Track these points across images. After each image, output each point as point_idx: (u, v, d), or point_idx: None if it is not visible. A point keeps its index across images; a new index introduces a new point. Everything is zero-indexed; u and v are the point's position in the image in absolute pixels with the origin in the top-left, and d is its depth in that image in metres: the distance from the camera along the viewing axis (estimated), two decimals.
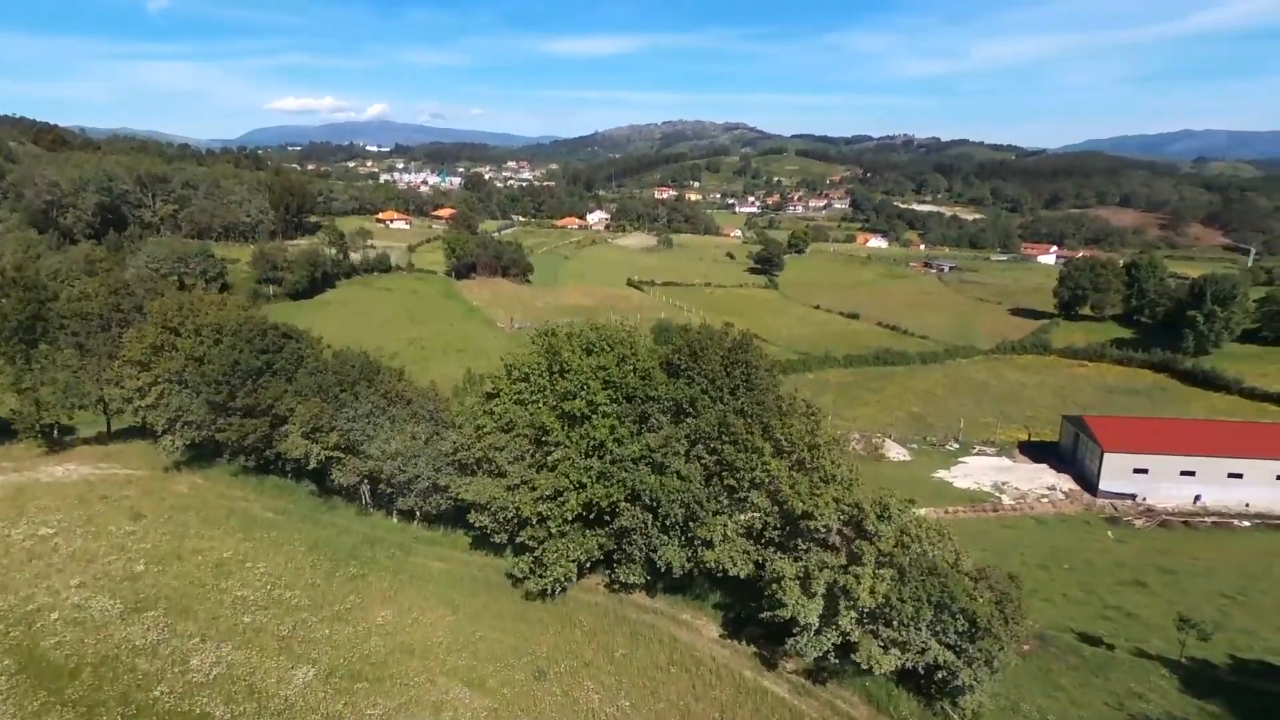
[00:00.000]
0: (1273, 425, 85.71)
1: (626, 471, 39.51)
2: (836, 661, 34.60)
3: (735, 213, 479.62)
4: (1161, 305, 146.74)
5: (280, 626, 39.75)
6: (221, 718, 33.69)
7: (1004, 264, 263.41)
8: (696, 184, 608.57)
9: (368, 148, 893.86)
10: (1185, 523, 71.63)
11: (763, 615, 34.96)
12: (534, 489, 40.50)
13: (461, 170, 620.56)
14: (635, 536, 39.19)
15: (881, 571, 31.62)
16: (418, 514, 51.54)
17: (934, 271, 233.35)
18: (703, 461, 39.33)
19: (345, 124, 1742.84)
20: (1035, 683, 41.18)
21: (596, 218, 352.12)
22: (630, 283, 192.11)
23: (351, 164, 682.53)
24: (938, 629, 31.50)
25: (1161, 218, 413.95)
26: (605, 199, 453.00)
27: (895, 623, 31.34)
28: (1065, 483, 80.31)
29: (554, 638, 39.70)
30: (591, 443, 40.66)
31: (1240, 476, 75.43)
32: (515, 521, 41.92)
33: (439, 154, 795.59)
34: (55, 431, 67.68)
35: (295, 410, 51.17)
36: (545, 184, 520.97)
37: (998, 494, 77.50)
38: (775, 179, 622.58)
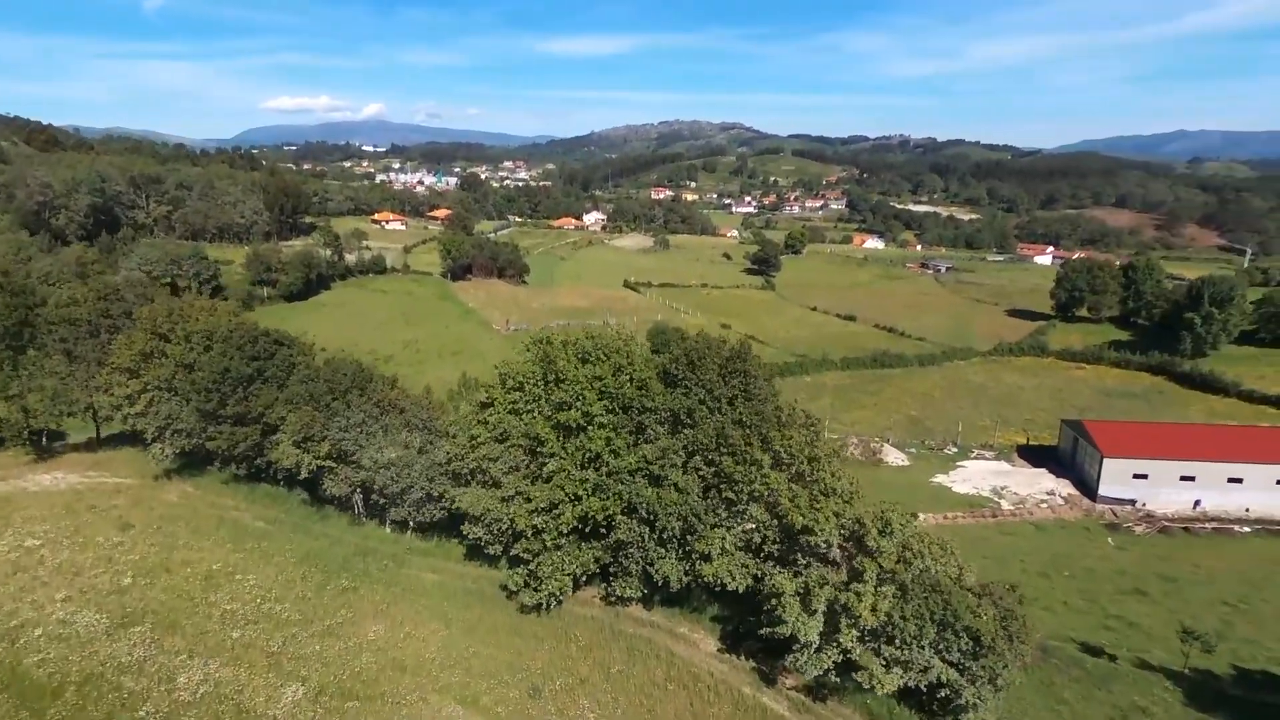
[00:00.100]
0: (1273, 429, 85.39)
1: (623, 484, 38.79)
2: (838, 680, 33.98)
3: (732, 213, 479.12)
4: (1159, 307, 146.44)
5: (269, 642, 38.94)
6: None
7: (1000, 265, 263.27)
8: (693, 184, 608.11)
9: (364, 148, 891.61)
10: (1185, 529, 71.18)
11: (762, 632, 34.29)
12: (529, 500, 39.76)
13: (458, 170, 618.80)
14: (632, 550, 38.50)
15: (883, 589, 30.97)
16: (411, 524, 50.78)
17: (931, 272, 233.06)
18: (700, 473, 38.64)
19: (341, 123, 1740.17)
20: (1038, 696, 40.62)
21: (593, 218, 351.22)
22: (627, 284, 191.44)
23: (347, 164, 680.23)
24: (941, 647, 30.88)
25: (1157, 218, 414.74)
26: (602, 199, 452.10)
27: (898, 641, 30.69)
28: (1064, 488, 79.85)
29: (549, 653, 38.96)
30: (587, 454, 39.93)
31: (1240, 481, 75.03)
32: (510, 533, 41.20)
33: (435, 154, 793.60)
34: (44, 439, 66.78)
35: (286, 419, 50.34)
36: (542, 184, 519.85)
37: (997, 499, 77.02)
38: (772, 179, 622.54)
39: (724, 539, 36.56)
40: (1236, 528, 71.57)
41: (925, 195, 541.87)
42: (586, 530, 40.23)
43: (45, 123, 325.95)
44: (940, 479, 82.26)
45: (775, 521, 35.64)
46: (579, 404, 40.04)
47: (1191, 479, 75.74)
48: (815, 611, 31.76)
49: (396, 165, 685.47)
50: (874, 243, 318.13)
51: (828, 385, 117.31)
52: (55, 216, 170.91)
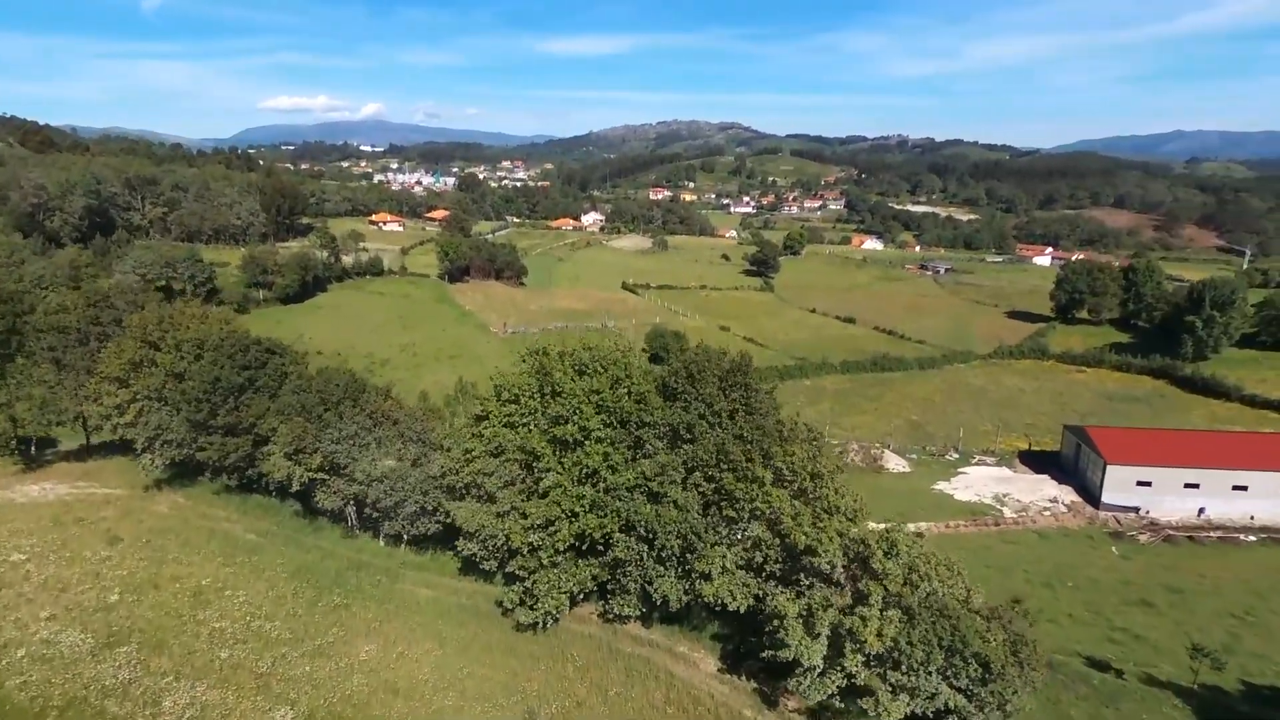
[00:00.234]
0: (1277, 435, 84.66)
1: (621, 500, 37.84)
2: (842, 705, 33.08)
3: (730, 213, 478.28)
4: (1159, 309, 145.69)
5: (259, 662, 37.97)
6: None
7: (999, 266, 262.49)
8: (691, 184, 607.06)
9: (362, 147, 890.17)
10: (1190, 537, 70.38)
11: (763, 654, 33.37)
12: (525, 516, 38.80)
13: (456, 170, 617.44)
14: (630, 568, 37.56)
15: (889, 613, 30.05)
16: (405, 537, 49.82)
17: (930, 274, 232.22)
18: (700, 490, 37.71)
19: (340, 123, 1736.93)
20: (1045, 714, 39.70)
21: (591, 219, 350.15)
22: (625, 286, 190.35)
23: (345, 164, 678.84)
24: (949, 673, 29.99)
25: (1156, 219, 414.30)
26: (600, 199, 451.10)
27: (904, 667, 29.80)
28: (1067, 495, 79.04)
29: (545, 674, 38.01)
30: (584, 470, 38.95)
31: (1245, 489, 74.26)
32: (505, 549, 40.24)
33: (433, 154, 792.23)
34: (33, 447, 65.72)
35: (278, 430, 49.35)
36: (540, 184, 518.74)
37: (999, 507, 76.20)
38: (770, 179, 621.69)
39: (724, 557, 35.61)
40: (1242, 536, 70.79)
41: (924, 195, 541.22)
42: (584, 548, 39.29)
43: (42, 123, 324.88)
44: (942, 486, 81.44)
45: (777, 540, 34.70)
46: (576, 418, 39.09)
47: (1196, 486, 74.98)
48: (819, 635, 30.87)
49: (395, 165, 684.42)
50: (873, 243, 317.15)
51: (828, 389, 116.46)
52: (49, 219, 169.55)
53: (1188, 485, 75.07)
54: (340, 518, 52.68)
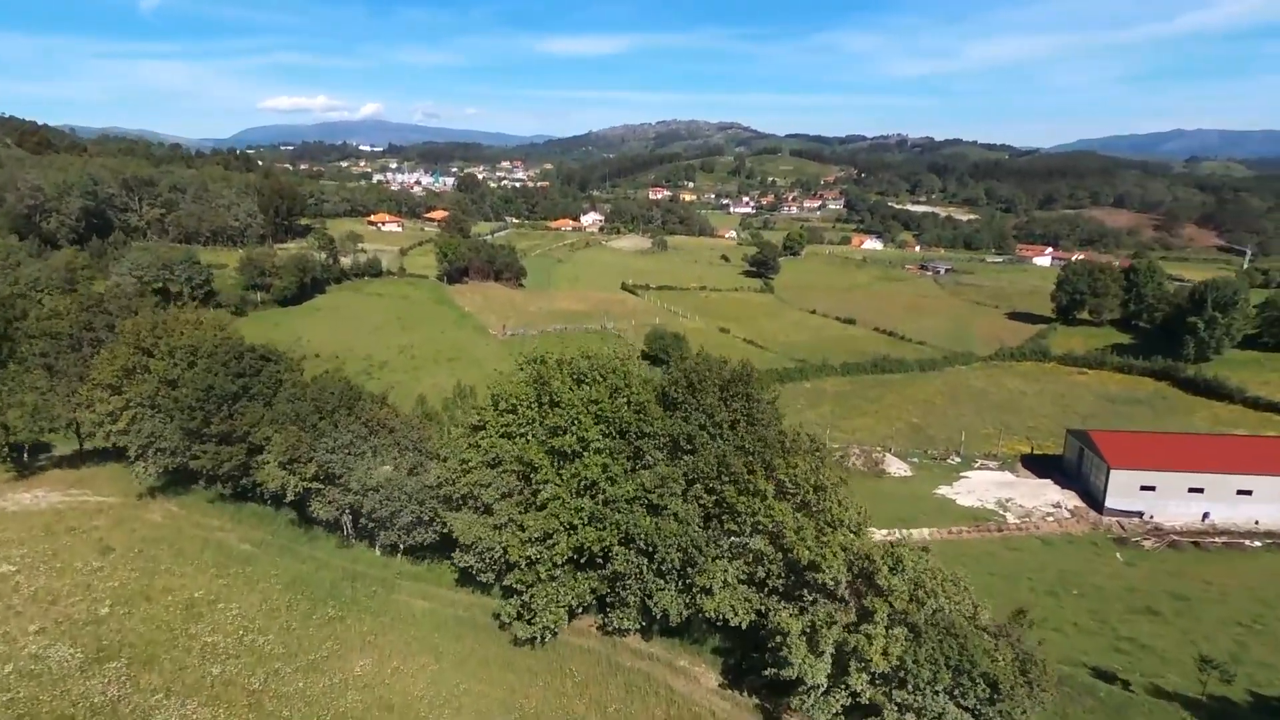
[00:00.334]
0: None
1: (620, 513, 37.11)
2: None
3: (730, 213, 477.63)
4: (1160, 310, 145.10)
5: (251, 678, 37.25)
6: None
7: (999, 266, 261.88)
8: (691, 184, 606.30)
9: (361, 147, 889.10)
10: (1195, 543, 69.68)
11: (766, 672, 32.67)
12: (522, 529, 38.08)
13: (455, 170, 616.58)
14: (630, 581, 36.84)
15: (895, 631, 29.38)
16: (401, 547, 49.08)
17: (930, 274, 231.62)
18: (701, 502, 36.99)
19: (339, 123, 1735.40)
20: None
21: (590, 219, 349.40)
22: (624, 286, 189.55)
23: (344, 164, 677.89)
24: (956, 693, 29.31)
25: (1156, 218, 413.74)
26: (599, 200, 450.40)
27: (910, 686, 29.12)
28: (1070, 500, 78.36)
29: (543, 689, 37.31)
30: (583, 481, 38.22)
31: (1250, 493, 73.60)
32: (503, 562, 39.51)
33: (433, 154, 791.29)
34: (25, 454, 64.94)
35: (272, 439, 48.62)
36: (540, 184, 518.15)
37: (1002, 512, 75.48)
38: (770, 179, 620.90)
39: (726, 571, 34.90)
40: (1247, 542, 70.12)
41: (923, 195, 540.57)
42: (582, 560, 38.57)
43: (40, 123, 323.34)
44: (944, 491, 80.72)
45: (780, 555, 34.00)
46: (574, 429, 38.37)
47: (1200, 491, 74.29)
48: (823, 653, 30.19)
49: (394, 165, 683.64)
50: (872, 243, 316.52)
51: (828, 391, 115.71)
52: (46, 220, 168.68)
53: (1192, 490, 74.40)
54: (336, 527, 51.93)
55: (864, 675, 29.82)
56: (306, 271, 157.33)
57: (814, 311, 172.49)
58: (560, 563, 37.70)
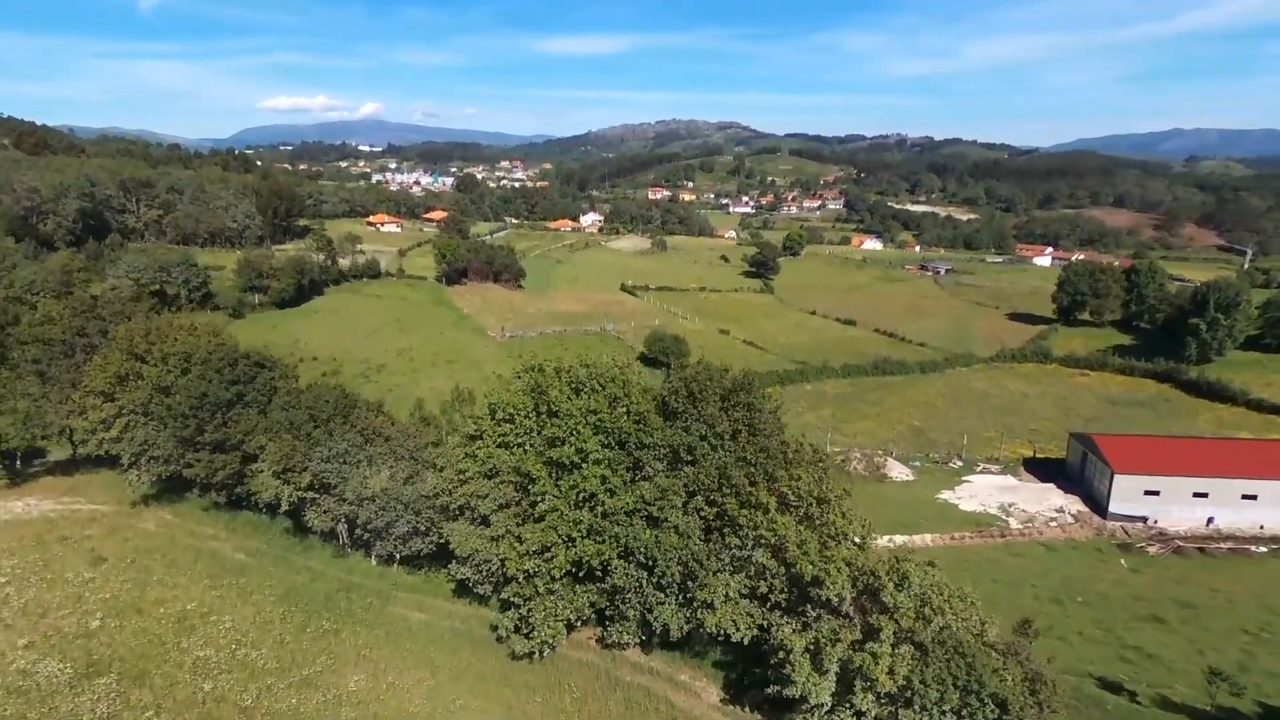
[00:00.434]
0: None
1: (619, 525, 36.41)
2: None
3: (729, 213, 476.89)
4: (1162, 311, 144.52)
5: (243, 694, 36.54)
6: None
7: (1000, 266, 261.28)
8: (690, 184, 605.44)
9: (360, 147, 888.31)
10: (1200, 549, 69.03)
11: (769, 690, 31.97)
12: (520, 541, 37.38)
13: (454, 170, 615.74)
14: (629, 595, 36.14)
15: (901, 650, 28.70)
16: (398, 557, 48.39)
17: (930, 274, 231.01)
18: (702, 514, 36.28)
19: (338, 123, 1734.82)
20: None
21: (590, 219, 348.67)
22: (624, 287, 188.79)
23: (344, 164, 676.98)
24: (964, 713, 28.63)
25: (1156, 218, 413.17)
26: (599, 200, 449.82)
27: (916, 706, 28.45)
28: (1074, 504, 77.72)
29: (541, 705, 36.61)
30: (581, 493, 37.50)
31: (1254, 498, 72.98)
32: (500, 574, 38.81)
33: (432, 153, 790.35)
34: (17, 461, 64.21)
35: (266, 448, 47.91)
36: (539, 184, 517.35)
37: (1005, 517, 74.82)
38: (769, 179, 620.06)
39: (728, 585, 34.19)
40: (1253, 548, 69.48)
41: (923, 195, 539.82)
42: (581, 574, 37.86)
43: (39, 124, 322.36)
44: (946, 495, 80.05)
45: (782, 569, 33.30)
46: (573, 439, 37.65)
47: (1204, 495, 73.67)
48: (827, 671, 29.52)
49: (393, 165, 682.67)
50: (872, 244, 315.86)
51: (829, 393, 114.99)
52: (43, 222, 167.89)
53: (1196, 494, 73.76)
54: (332, 536, 51.25)
55: (869, 695, 29.15)
56: (304, 273, 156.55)
57: (814, 312, 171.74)
58: (558, 576, 37.00)
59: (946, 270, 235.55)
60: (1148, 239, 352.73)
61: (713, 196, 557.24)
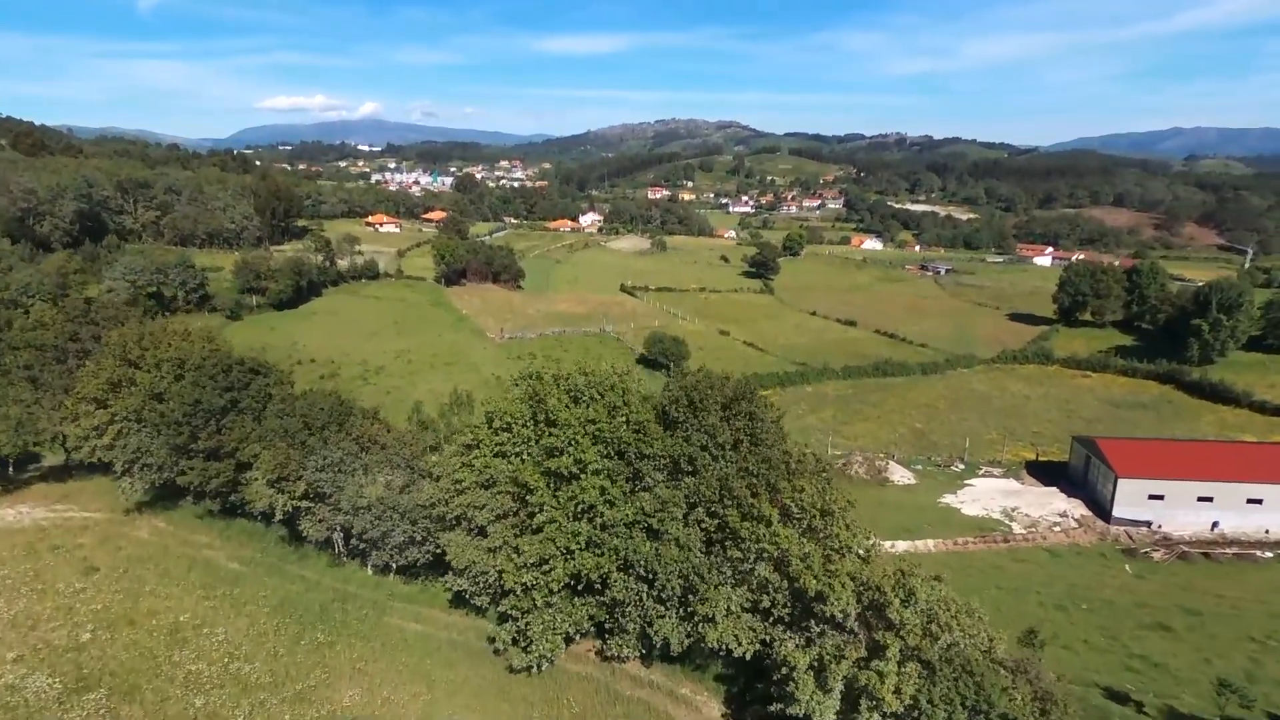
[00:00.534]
0: None
1: (618, 538, 35.69)
2: None
3: (729, 213, 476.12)
4: (1163, 311, 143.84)
5: (235, 710, 35.85)
6: None
7: (1000, 266, 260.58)
8: (690, 184, 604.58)
9: (359, 147, 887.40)
10: (1205, 554, 68.33)
11: (772, 708, 31.27)
12: (518, 553, 36.65)
13: (454, 170, 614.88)
14: (629, 608, 35.42)
15: (908, 668, 28.01)
16: (394, 567, 47.66)
17: (930, 274, 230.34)
18: (703, 526, 35.55)
19: (337, 123, 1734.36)
20: None
21: (589, 219, 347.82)
22: (623, 288, 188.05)
23: (343, 164, 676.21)
24: None
25: (1156, 217, 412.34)
26: (598, 199, 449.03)
27: None
28: (1077, 508, 77.01)
29: None
30: (580, 505, 36.76)
31: (1260, 502, 72.25)
32: (498, 586, 38.08)
33: (431, 153, 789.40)
34: (10, 468, 63.43)
35: (260, 456, 47.18)
36: (538, 184, 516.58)
37: (1008, 521, 74.13)
38: (769, 178, 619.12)
39: (729, 600, 33.48)
40: (1258, 552, 68.76)
41: (923, 194, 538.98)
42: (580, 587, 37.13)
43: (37, 124, 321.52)
44: (948, 499, 79.36)
45: (785, 583, 32.60)
46: (571, 450, 36.91)
47: (1209, 500, 72.96)
48: (831, 690, 28.83)
49: (392, 165, 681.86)
50: (872, 243, 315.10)
51: (829, 395, 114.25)
52: (39, 223, 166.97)
53: (1201, 499, 73.05)
54: (328, 544, 50.54)
55: (875, 715, 28.47)
56: (302, 274, 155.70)
57: (814, 313, 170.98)
58: (557, 589, 36.28)
59: (947, 270, 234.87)
60: (1148, 238, 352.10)
61: (712, 196, 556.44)
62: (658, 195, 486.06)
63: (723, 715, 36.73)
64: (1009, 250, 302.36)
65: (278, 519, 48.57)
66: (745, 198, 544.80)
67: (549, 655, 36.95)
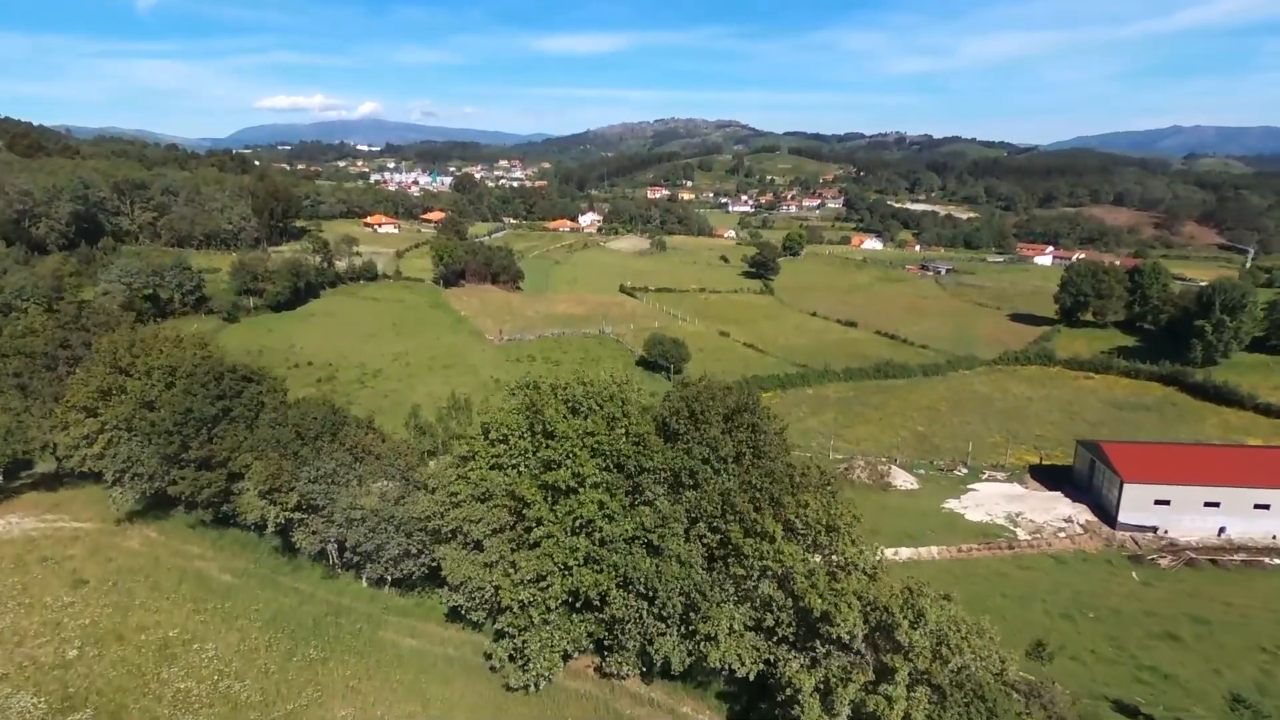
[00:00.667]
0: None
1: (618, 554, 34.76)
2: None
3: (729, 212, 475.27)
4: (1165, 312, 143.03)
5: None
6: None
7: (1001, 266, 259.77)
8: (689, 183, 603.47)
9: (359, 147, 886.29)
10: (1213, 561, 67.45)
11: None
12: (514, 568, 35.71)
13: (453, 170, 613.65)
14: (629, 626, 34.50)
15: (917, 692, 27.13)
16: (389, 579, 46.72)
17: (930, 274, 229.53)
18: (704, 542, 34.63)
19: (336, 122, 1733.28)
20: None
21: (589, 219, 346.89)
22: (623, 289, 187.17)
23: (342, 163, 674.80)
24: None
25: (1156, 216, 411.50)
26: (598, 199, 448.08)
27: None
28: (1082, 513, 76.10)
29: None
30: (578, 520, 35.82)
31: (1267, 508, 71.38)
32: (494, 602, 37.15)
33: (430, 153, 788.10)
34: (1, 475, 62.43)
35: (252, 467, 46.25)
36: (537, 184, 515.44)
37: (1012, 527, 73.23)
38: (768, 177, 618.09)
39: (732, 618, 32.55)
40: (1266, 559, 67.89)
41: (922, 193, 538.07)
42: (578, 603, 36.19)
43: (35, 124, 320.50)
44: (951, 504, 78.45)
45: (790, 601, 31.68)
46: (569, 462, 35.97)
47: (1216, 505, 72.09)
48: (838, 714, 27.93)
49: (391, 165, 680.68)
50: (872, 243, 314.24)
51: (830, 398, 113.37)
52: (35, 225, 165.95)
53: (1208, 504, 72.17)
54: (322, 555, 49.59)
55: None
56: (300, 276, 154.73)
57: (814, 314, 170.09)
58: (555, 606, 35.34)
59: (947, 270, 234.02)
60: (1148, 237, 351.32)
61: (712, 196, 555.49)
62: (657, 195, 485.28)
63: None
64: (1009, 250, 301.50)
65: (270, 530, 47.62)
66: (745, 197, 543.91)
67: (547, 673, 36.04)
